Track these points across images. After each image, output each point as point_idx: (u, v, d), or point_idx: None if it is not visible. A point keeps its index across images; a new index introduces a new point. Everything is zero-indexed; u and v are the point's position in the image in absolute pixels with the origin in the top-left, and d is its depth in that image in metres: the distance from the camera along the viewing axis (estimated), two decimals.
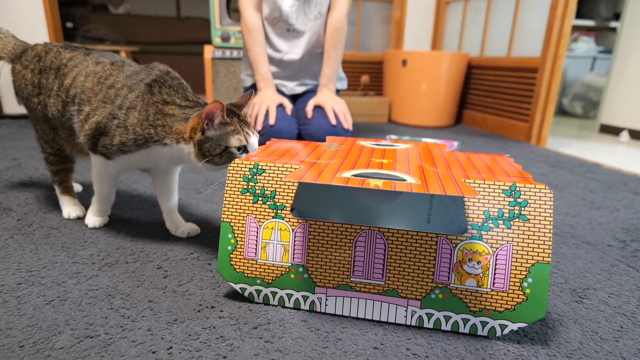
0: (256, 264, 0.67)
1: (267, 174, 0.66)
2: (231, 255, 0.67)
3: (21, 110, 2.41)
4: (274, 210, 0.66)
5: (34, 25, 2.31)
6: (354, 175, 0.62)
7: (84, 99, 0.84)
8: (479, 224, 0.61)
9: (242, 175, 0.67)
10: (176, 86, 0.81)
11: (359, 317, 0.66)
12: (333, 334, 0.62)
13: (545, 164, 1.79)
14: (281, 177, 0.66)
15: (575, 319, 0.69)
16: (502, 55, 2.41)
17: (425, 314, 0.63)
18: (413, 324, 0.64)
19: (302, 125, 1.62)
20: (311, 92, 1.76)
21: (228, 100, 2.43)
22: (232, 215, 0.67)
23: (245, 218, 0.67)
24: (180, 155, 0.78)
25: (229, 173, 0.67)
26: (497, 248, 0.60)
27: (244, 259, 0.67)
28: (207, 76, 2.34)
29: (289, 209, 0.65)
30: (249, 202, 0.66)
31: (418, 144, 0.89)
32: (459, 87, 2.61)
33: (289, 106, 1.58)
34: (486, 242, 0.60)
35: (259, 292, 0.68)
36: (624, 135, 2.66)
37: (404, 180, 0.60)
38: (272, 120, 1.51)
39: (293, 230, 0.65)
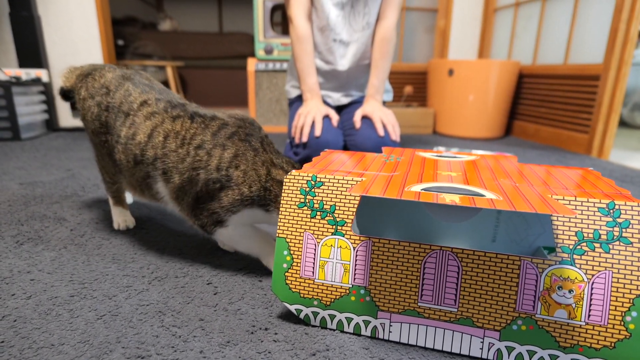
0: (313, 283, 0.62)
1: (326, 187, 0.62)
2: (286, 274, 0.63)
3: (75, 123, 2.52)
4: (334, 226, 0.61)
5: (89, 44, 2.43)
6: (424, 190, 0.56)
7: (169, 165, 0.75)
8: (570, 246, 0.53)
9: (299, 188, 0.63)
10: (268, 141, 0.78)
11: (426, 346, 0.59)
12: None
13: (612, 178, 1.64)
14: (341, 191, 0.61)
15: None
16: (558, 62, 2.27)
17: (505, 347, 0.56)
18: (490, 357, 0.57)
19: (348, 136, 1.57)
20: (356, 103, 1.72)
21: (270, 112, 2.43)
22: (288, 230, 0.63)
23: (302, 234, 0.62)
24: (268, 220, 0.76)
25: (285, 185, 0.63)
26: (592, 275, 0.52)
27: (300, 277, 0.62)
28: (250, 88, 2.36)
29: (349, 224, 0.60)
30: (306, 217, 0.62)
31: (484, 155, 0.82)
32: (509, 97, 2.49)
33: (335, 117, 1.55)
34: (579, 268, 0.53)
35: (315, 314, 0.63)
36: None
37: (483, 195, 0.54)
38: (318, 132, 1.47)
39: (354, 248, 0.60)
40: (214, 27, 4.44)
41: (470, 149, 2.12)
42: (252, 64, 2.32)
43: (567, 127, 2.19)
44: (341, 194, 0.61)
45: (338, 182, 0.61)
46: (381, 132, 1.49)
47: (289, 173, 0.64)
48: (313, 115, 1.52)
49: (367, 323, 0.61)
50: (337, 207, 0.61)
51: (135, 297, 0.71)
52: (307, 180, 0.63)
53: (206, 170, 0.73)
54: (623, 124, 3.57)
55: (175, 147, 0.75)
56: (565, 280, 0.53)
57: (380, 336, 0.61)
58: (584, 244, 0.53)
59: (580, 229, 0.53)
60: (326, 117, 1.55)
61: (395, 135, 1.51)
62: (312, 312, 0.63)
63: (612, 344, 0.52)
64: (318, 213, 0.62)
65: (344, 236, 0.60)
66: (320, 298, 0.62)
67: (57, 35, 2.38)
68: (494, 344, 0.56)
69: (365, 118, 1.56)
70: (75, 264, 0.82)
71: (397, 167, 0.69)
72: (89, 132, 0.88)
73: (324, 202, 0.61)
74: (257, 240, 0.78)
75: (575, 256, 0.53)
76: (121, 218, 1.00)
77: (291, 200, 0.63)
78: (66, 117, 2.51)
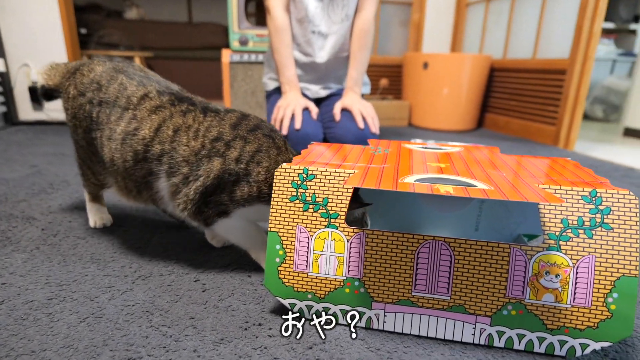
0: (307, 277, 0.61)
1: (318, 180, 0.61)
2: (279, 268, 0.62)
3: (37, 116, 2.39)
4: (327, 219, 0.61)
5: (50, 31, 2.30)
6: (417, 181, 0.57)
7: (177, 159, 0.71)
8: (557, 233, 0.55)
9: (290, 181, 0.62)
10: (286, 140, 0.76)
11: (420, 335, 0.60)
12: (396, 354, 0.56)
13: None
14: (334, 183, 0.61)
15: None
16: (527, 57, 2.35)
17: (496, 331, 0.57)
18: (482, 342, 0.58)
19: (327, 128, 1.57)
20: (335, 96, 1.71)
21: (246, 105, 2.39)
22: (280, 224, 0.62)
23: (294, 228, 0.61)
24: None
25: (275, 179, 0.62)
26: (577, 260, 0.54)
27: (293, 272, 0.62)
28: (225, 80, 2.31)
29: (342, 217, 0.60)
30: (298, 211, 0.61)
31: (467, 146, 0.84)
32: (482, 90, 2.55)
33: (314, 110, 1.54)
34: (565, 254, 0.55)
35: (309, 307, 0.63)
36: None
37: (474, 186, 0.55)
38: (298, 125, 1.46)
39: (348, 240, 0.60)
40: (183, 16, 4.30)
41: (446, 141, 2.16)
42: (226, 56, 2.27)
43: (536, 119, 2.27)
44: (333, 187, 0.61)
45: (330, 175, 0.61)
46: (361, 125, 1.50)
47: (280, 166, 0.63)
48: (293, 107, 1.50)
49: (361, 314, 0.61)
50: (329, 200, 0.60)
51: (119, 297, 0.68)
52: (299, 173, 0.62)
53: (224, 161, 0.69)
54: (585, 116, 3.75)
55: (187, 140, 0.71)
56: (552, 266, 0.55)
57: (375, 326, 0.61)
58: (569, 230, 0.55)
59: (565, 217, 0.55)
60: (306, 110, 1.54)
61: (374, 127, 1.52)
62: (306, 305, 0.62)
63: (595, 324, 0.54)
64: (311, 206, 0.61)
65: (337, 229, 0.60)
66: (314, 291, 0.62)
67: (13, 21, 2.24)
68: (485, 329, 0.58)
69: (345, 110, 1.56)
70: (50, 265, 0.78)
71: (386, 159, 0.69)
72: (80, 131, 0.81)
73: (317, 195, 0.61)
74: (252, 234, 0.76)
75: (561, 242, 0.55)
76: (98, 215, 0.96)
77: (282, 194, 0.62)
78: (26, 109, 2.38)
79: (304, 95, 1.68)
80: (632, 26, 3.42)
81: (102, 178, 0.85)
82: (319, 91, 1.73)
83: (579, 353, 0.55)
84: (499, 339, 0.58)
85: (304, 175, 0.62)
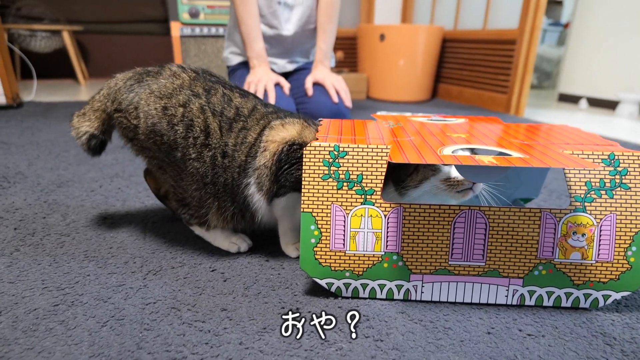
0: (344, 255, 0.60)
1: (351, 157, 0.59)
2: (315, 249, 0.60)
3: None
4: (362, 196, 0.59)
5: None
6: (454, 152, 0.57)
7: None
8: (582, 195, 0.58)
9: (321, 160, 0.59)
10: None
11: (456, 301, 0.62)
12: (439, 323, 0.58)
13: None
14: (367, 159, 0.59)
15: None
16: (478, 27, 2.44)
17: (527, 291, 0.61)
18: (514, 302, 0.61)
19: (300, 104, 1.53)
20: (303, 70, 1.67)
21: None
22: (313, 204, 0.60)
23: (329, 207, 0.59)
24: None
25: (305, 158, 0.59)
26: (601, 219, 0.58)
27: (330, 251, 0.60)
28: (177, 56, 2.15)
29: (378, 193, 0.59)
30: (332, 189, 0.59)
31: (470, 117, 0.85)
32: (435, 61, 2.62)
33: (286, 85, 1.49)
34: (590, 214, 0.58)
35: (347, 285, 0.62)
36: (583, 103, 2.83)
37: (509, 155, 0.56)
38: (271, 101, 1.41)
39: (385, 216, 0.59)
40: None
41: (404, 113, 2.20)
42: (176, 29, 2.11)
43: (488, 88, 2.39)
44: (367, 162, 0.59)
45: (363, 151, 0.59)
46: (335, 99, 1.48)
47: (308, 144, 0.60)
48: (264, 83, 1.44)
49: (399, 287, 0.61)
50: (364, 177, 0.59)
51: (134, 296, 0.63)
52: (330, 151, 0.59)
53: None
54: None
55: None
56: (579, 226, 0.58)
57: (413, 298, 0.62)
58: (593, 192, 0.58)
59: (589, 179, 0.59)
60: (277, 85, 1.48)
61: (348, 101, 1.51)
62: (344, 283, 0.62)
63: (617, 277, 0.59)
64: (345, 184, 0.59)
65: (373, 205, 0.59)
66: (352, 269, 0.61)
67: None
68: (517, 290, 0.61)
69: (317, 85, 1.52)
70: (40, 267, 0.69)
71: (406, 132, 0.69)
72: (158, 143, 0.70)
73: (350, 172, 0.59)
74: (295, 220, 0.72)
75: (586, 204, 0.58)
76: (233, 238, 0.78)
77: (314, 173, 0.59)
78: None
79: (271, 70, 1.61)
80: None
81: (206, 203, 0.75)
82: (286, 65, 1.67)
83: (601, 304, 0.60)
84: (530, 298, 0.61)
85: (335, 153, 0.59)
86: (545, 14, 3.95)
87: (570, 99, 2.99)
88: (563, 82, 3.02)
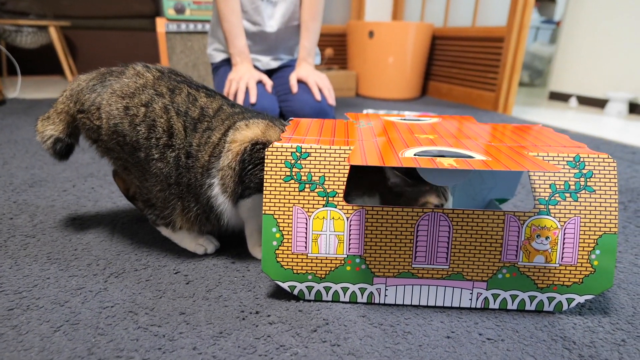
0: (307, 258, 0.59)
1: (313, 158, 0.58)
2: (277, 252, 0.59)
3: None
4: (324, 198, 0.58)
5: None
6: (416, 154, 0.56)
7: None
8: (547, 198, 0.58)
9: (283, 161, 0.58)
10: None
11: (420, 304, 0.61)
12: (399, 327, 0.57)
13: None
14: (329, 161, 0.58)
15: (618, 283, 0.69)
16: (467, 25, 2.42)
17: (491, 294, 0.60)
18: (478, 306, 0.61)
19: (283, 102, 1.52)
20: (286, 67, 1.65)
21: None
22: (275, 206, 0.58)
23: (291, 209, 0.58)
24: None
25: (267, 159, 0.58)
26: (565, 222, 0.58)
27: (292, 254, 0.59)
28: (162, 52, 2.13)
29: (340, 195, 0.58)
30: (294, 191, 0.58)
31: (444, 117, 0.84)
32: (425, 59, 2.61)
33: (269, 83, 1.47)
34: (554, 217, 0.58)
35: (310, 288, 0.61)
36: (573, 101, 2.83)
37: (472, 157, 0.55)
38: (253, 99, 1.39)
39: (348, 218, 0.58)
40: None
41: (393, 111, 2.19)
42: (161, 25, 2.08)
43: (477, 86, 2.38)
44: (329, 164, 0.58)
45: (325, 152, 0.58)
46: (318, 97, 1.46)
47: (271, 145, 0.59)
48: (246, 80, 1.42)
49: (363, 290, 0.61)
50: (326, 178, 0.58)
51: (92, 299, 0.61)
52: (292, 152, 0.58)
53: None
54: None
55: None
56: (543, 229, 0.58)
57: (376, 301, 0.61)
58: (557, 194, 0.58)
59: (553, 182, 0.58)
60: (259, 83, 1.47)
61: (331, 99, 1.50)
62: (306, 287, 0.61)
63: (581, 280, 0.58)
64: (307, 185, 0.58)
65: (336, 207, 0.58)
66: (314, 272, 0.60)
67: None
68: (481, 294, 0.60)
69: (300, 82, 1.51)
70: (0, 270, 0.68)
71: (374, 133, 0.68)
72: (121, 142, 0.69)
73: (312, 174, 0.58)
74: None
75: (550, 206, 0.58)
76: (200, 240, 0.76)
77: (276, 175, 0.58)
78: None
79: (255, 67, 1.60)
80: None
81: (169, 203, 0.74)
82: (270, 62, 1.65)
83: (565, 307, 0.60)
84: (494, 301, 0.60)
85: (297, 154, 0.58)
86: (538, 12, 3.95)
87: (560, 97, 2.99)
88: (554, 80, 3.02)
